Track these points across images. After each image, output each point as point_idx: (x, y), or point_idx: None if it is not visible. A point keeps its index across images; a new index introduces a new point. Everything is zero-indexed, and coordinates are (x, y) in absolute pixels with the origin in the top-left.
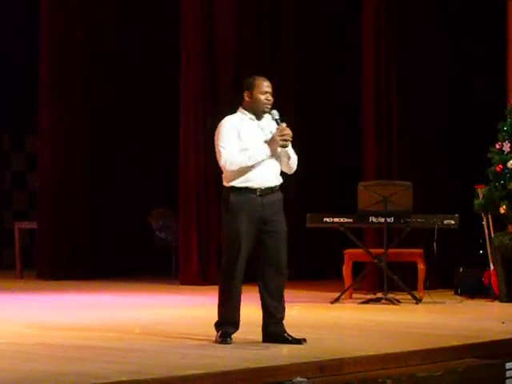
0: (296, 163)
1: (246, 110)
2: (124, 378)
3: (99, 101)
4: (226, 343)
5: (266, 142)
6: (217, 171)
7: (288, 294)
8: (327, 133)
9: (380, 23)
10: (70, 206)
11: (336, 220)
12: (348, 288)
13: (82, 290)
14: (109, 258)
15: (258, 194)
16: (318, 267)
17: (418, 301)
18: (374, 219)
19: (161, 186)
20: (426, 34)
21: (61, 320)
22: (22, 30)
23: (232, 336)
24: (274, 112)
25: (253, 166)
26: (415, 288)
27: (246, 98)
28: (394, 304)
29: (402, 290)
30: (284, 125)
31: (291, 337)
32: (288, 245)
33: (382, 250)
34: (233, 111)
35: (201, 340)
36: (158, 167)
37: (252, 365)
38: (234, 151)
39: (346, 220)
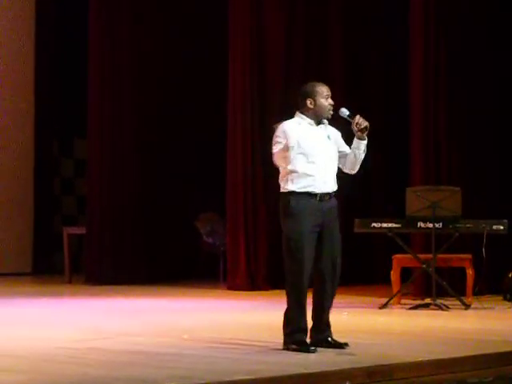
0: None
1: (304, 115)
2: (174, 383)
3: (148, 105)
4: (308, 352)
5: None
6: (265, 175)
7: (336, 299)
8: (375, 137)
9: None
10: (119, 211)
11: (384, 225)
12: (396, 293)
13: (130, 294)
14: (157, 263)
15: (318, 199)
16: (366, 272)
17: (466, 306)
18: (423, 224)
19: (208, 190)
20: (476, 32)
21: (110, 325)
22: (70, 35)
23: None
24: (343, 110)
25: (315, 171)
26: (464, 293)
27: (309, 106)
28: (442, 309)
29: (451, 296)
30: (357, 116)
31: (334, 341)
32: None
33: (431, 256)
34: (282, 116)
35: (249, 345)
36: (206, 172)
37: (300, 370)
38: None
39: (394, 225)
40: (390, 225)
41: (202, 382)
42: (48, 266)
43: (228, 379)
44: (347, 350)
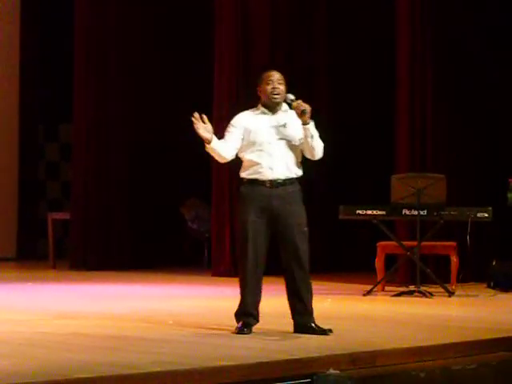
0: (322, 149)
1: (261, 105)
2: (157, 369)
3: (133, 90)
4: (242, 333)
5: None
6: None
7: (321, 286)
8: (361, 124)
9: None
10: (104, 197)
11: (369, 212)
12: (380, 280)
13: (115, 280)
14: (141, 248)
15: (268, 185)
16: (350, 259)
17: (450, 294)
18: (407, 212)
19: (194, 176)
20: (463, 20)
21: (94, 310)
22: (55, 18)
23: (251, 327)
24: (289, 95)
25: (261, 158)
26: (448, 281)
27: (259, 94)
28: (426, 297)
29: (435, 283)
30: (299, 101)
31: (318, 327)
32: (320, 237)
33: (415, 243)
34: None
35: (233, 331)
36: (192, 157)
37: (284, 356)
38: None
39: (378, 212)
40: (374, 212)
41: (187, 367)
42: (32, 251)
43: (212, 365)
44: (331, 337)
